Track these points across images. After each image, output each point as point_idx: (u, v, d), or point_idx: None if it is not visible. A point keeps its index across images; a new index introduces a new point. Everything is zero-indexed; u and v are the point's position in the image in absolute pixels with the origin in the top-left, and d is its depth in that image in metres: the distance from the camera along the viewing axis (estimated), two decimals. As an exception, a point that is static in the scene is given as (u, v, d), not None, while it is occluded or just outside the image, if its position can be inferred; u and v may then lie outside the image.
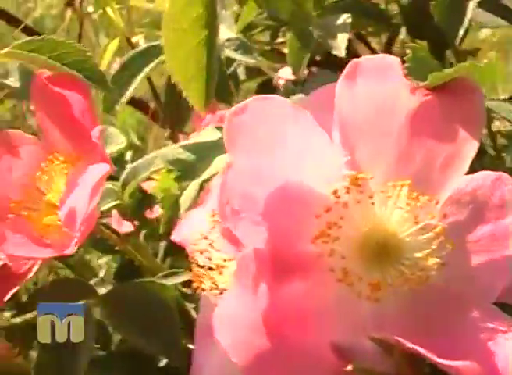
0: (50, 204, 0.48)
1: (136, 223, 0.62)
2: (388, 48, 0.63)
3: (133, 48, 0.69)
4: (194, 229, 0.41)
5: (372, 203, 0.34)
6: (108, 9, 0.68)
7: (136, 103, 0.89)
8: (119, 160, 0.66)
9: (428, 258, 0.33)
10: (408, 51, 0.36)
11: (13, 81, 0.54)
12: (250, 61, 0.57)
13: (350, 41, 0.54)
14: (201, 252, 0.39)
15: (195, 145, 0.48)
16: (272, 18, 0.58)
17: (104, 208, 0.54)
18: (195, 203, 0.46)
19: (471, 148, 0.34)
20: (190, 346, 0.46)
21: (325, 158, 0.34)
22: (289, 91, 0.64)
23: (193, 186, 0.46)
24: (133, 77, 0.54)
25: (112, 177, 0.53)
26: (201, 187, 0.46)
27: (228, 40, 0.56)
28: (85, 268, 0.63)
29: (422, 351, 0.30)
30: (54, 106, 0.48)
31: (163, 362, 0.54)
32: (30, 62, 0.50)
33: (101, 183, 0.45)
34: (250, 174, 0.33)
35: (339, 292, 0.33)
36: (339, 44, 0.52)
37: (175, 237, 0.44)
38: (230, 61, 0.58)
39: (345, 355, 0.31)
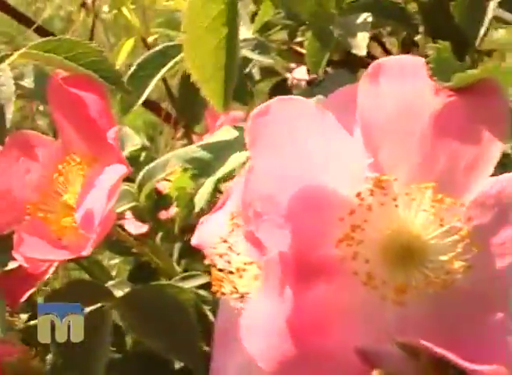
0: (66, 205, 0.48)
1: (151, 224, 0.62)
2: (405, 49, 0.63)
3: (148, 48, 0.68)
4: (213, 232, 0.41)
5: (396, 205, 0.33)
6: (124, 9, 0.68)
7: (147, 104, 0.89)
8: (133, 161, 0.66)
9: (453, 261, 0.32)
10: (430, 51, 0.36)
11: (28, 82, 0.53)
12: (268, 61, 0.57)
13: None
14: (221, 256, 0.39)
15: (211, 145, 0.48)
16: (290, 17, 0.57)
17: (120, 209, 0.54)
18: (210, 203, 0.45)
19: (495, 150, 0.33)
20: (206, 349, 0.45)
21: (348, 159, 0.34)
22: (306, 91, 0.63)
23: (208, 184, 0.45)
24: (149, 78, 0.53)
25: (125, 178, 0.53)
26: (216, 187, 0.45)
27: (245, 40, 0.56)
28: (99, 269, 0.62)
29: (449, 355, 0.29)
30: (70, 107, 0.48)
31: (178, 364, 0.54)
32: (46, 63, 0.50)
33: (118, 185, 0.45)
34: (273, 176, 0.32)
35: (364, 296, 0.32)
36: (360, 43, 0.51)
37: (194, 240, 0.44)
38: (247, 61, 0.58)
39: (370, 360, 0.31)
